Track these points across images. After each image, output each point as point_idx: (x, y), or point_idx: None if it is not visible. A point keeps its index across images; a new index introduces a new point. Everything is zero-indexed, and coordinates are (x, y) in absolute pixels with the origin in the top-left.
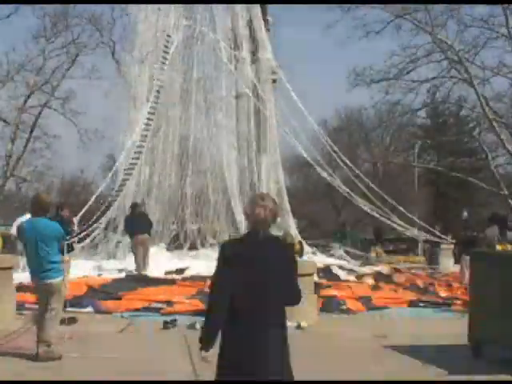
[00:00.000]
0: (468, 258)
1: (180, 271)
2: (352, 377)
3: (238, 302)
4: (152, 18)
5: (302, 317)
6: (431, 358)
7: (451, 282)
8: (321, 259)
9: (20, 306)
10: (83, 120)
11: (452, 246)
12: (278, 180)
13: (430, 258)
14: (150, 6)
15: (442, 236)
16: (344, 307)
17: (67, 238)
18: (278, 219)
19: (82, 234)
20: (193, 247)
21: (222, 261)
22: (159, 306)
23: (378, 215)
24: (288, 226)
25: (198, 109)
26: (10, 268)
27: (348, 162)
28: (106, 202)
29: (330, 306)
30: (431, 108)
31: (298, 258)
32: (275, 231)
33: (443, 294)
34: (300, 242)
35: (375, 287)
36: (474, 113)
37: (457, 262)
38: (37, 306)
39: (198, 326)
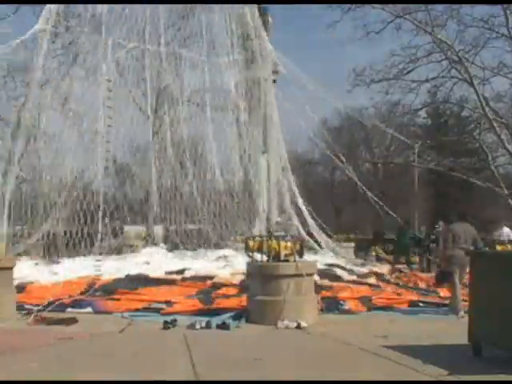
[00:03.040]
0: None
1: (180, 272)
2: (352, 377)
3: None
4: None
5: (302, 317)
6: (431, 358)
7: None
8: (321, 259)
9: (20, 306)
10: (83, 120)
11: None
12: (278, 180)
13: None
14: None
15: None
16: (344, 307)
17: None
18: (279, 219)
19: None
20: (193, 247)
21: None
22: (159, 306)
23: None
24: (290, 225)
25: (199, 108)
26: (10, 268)
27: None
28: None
29: (330, 306)
30: (432, 108)
31: (298, 258)
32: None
33: (443, 294)
34: (300, 242)
35: (375, 287)
36: (476, 113)
37: None
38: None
39: (197, 326)
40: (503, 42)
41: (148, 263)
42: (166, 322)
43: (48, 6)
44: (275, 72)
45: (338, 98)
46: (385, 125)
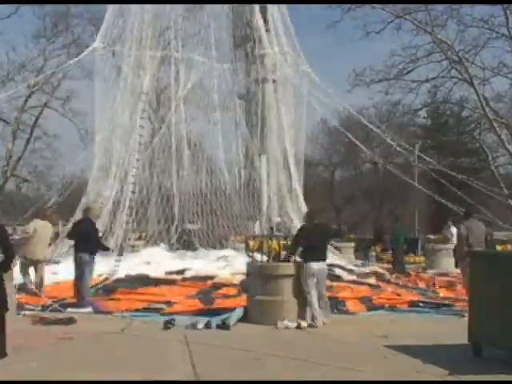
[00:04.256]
0: None
1: (180, 272)
2: (352, 377)
3: None
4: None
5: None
6: (431, 358)
7: (452, 283)
8: None
9: (20, 306)
10: (84, 120)
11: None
12: (278, 180)
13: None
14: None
15: None
16: (344, 307)
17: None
18: (278, 219)
19: None
20: (192, 247)
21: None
22: (159, 306)
23: None
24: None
25: (199, 109)
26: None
27: None
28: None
29: (330, 306)
30: (432, 108)
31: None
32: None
33: (443, 294)
34: None
35: (375, 287)
36: (476, 113)
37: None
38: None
39: (198, 325)
40: (503, 41)
41: (148, 263)
42: (166, 322)
43: None
44: (275, 72)
45: (338, 98)
46: (385, 125)
